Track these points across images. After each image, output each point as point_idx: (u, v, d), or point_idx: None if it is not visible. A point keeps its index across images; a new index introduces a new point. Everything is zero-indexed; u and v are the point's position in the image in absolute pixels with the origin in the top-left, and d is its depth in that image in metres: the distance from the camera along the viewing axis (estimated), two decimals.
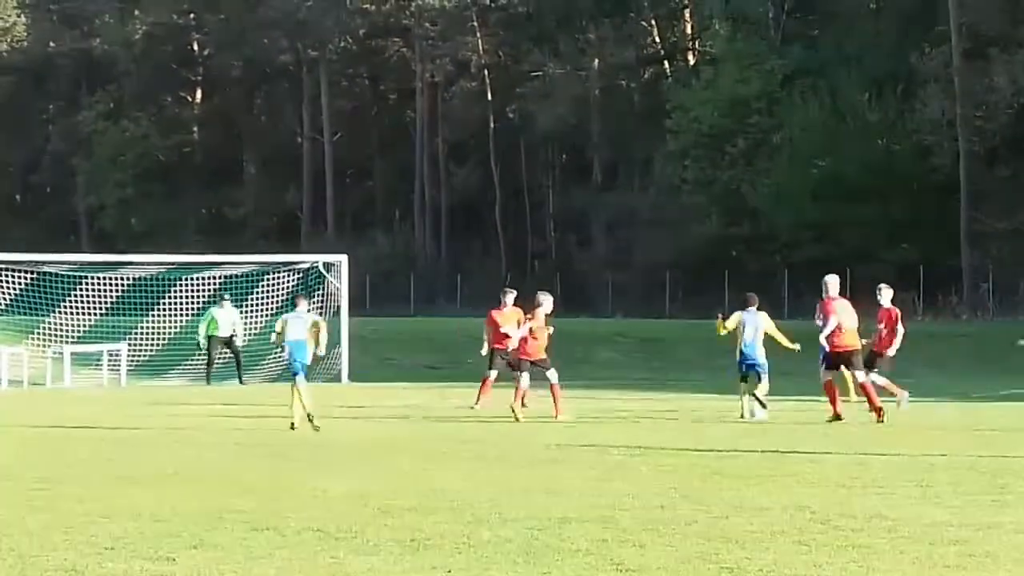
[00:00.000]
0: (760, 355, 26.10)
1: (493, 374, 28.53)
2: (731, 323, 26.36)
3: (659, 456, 17.97)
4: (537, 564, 10.29)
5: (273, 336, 25.30)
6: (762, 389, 25.84)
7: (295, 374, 23.94)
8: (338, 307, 40.45)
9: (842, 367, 25.60)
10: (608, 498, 13.76)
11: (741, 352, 26.00)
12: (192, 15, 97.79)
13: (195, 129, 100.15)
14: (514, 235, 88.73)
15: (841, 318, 24.80)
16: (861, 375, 24.84)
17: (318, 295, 41.55)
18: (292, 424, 23.23)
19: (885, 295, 29.15)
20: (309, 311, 25.27)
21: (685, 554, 10.64)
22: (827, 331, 24.80)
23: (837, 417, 24.32)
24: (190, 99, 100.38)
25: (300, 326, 24.45)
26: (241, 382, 37.82)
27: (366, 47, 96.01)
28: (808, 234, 70.36)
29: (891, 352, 28.10)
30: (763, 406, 25.50)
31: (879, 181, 68.84)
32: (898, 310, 28.82)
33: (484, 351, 29.06)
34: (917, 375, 39.25)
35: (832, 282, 25.40)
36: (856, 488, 14.52)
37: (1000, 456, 17.67)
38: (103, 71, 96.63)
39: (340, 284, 40.61)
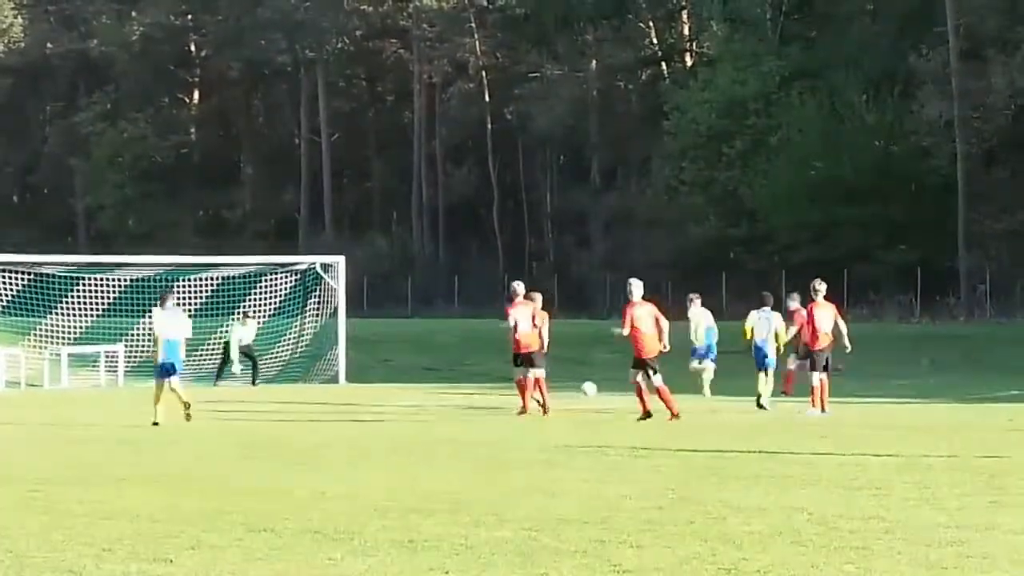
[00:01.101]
0: (772, 352, 28.45)
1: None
2: (748, 325, 28.77)
3: (657, 457, 17.97)
4: (534, 565, 10.29)
5: (152, 336, 25.68)
6: (768, 389, 28.05)
7: (169, 374, 24.04)
8: (336, 308, 40.45)
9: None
10: (606, 499, 13.76)
11: (757, 348, 28.48)
12: (190, 16, 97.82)
13: (193, 130, 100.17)
14: (512, 236, 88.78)
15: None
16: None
17: (316, 296, 41.58)
18: (188, 415, 23.90)
19: (794, 298, 31.12)
20: (178, 306, 25.65)
21: (683, 555, 10.64)
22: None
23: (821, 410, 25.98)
24: (188, 100, 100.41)
25: (177, 324, 24.68)
26: (254, 384, 37.73)
27: (364, 48, 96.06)
28: (806, 235, 70.39)
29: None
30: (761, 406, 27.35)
31: (877, 182, 68.87)
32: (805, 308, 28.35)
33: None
34: (915, 376, 39.37)
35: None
36: (854, 489, 14.52)
37: (997, 457, 17.68)
38: (101, 72, 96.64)
39: (337, 285, 40.60)
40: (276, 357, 41.08)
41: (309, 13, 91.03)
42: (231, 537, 11.57)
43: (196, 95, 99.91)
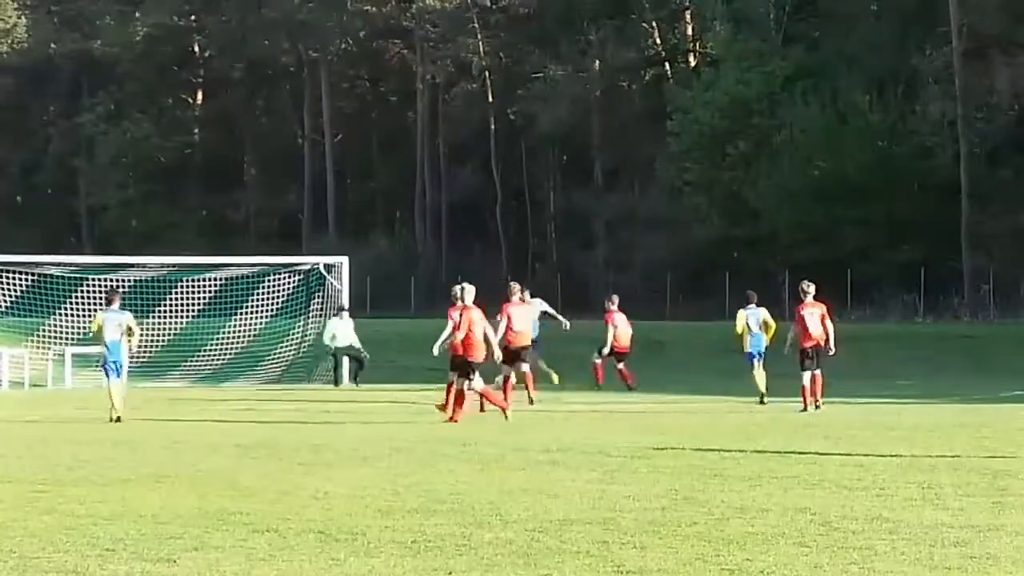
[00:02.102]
0: (763, 344, 29.97)
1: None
2: (740, 323, 30.37)
3: (660, 458, 17.96)
4: (538, 566, 10.29)
5: (92, 334, 25.83)
6: (761, 381, 29.61)
7: (113, 374, 24.43)
8: (339, 308, 40.46)
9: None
10: (609, 500, 13.76)
11: (752, 342, 30.02)
12: (193, 17, 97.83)
13: (196, 131, 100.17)
14: (515, 237, 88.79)
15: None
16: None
17: (319, 296, 41.58)
18: (118, 418, 24.39)
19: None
20: (123, 309, 25.88)
21: (686, 556, 10.64)
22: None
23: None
24: (191, 101, 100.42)
25: (117, 326, 24.97)
26: (356, 383, 37.90)
27: (367, 49, 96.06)
28: (809, 235, 70.37)
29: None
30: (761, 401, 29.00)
31: (880, 182, 68.85)
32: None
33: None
34: (918, 375, 39.36)
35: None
36: (857, 490, 14.51)
37: (1001, 458, 17.67)
38: (104, 73, 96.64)
39: (341, 285, 40.60)
40: (279, 358, 41.09)
41: (312, 14, 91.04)
42: (234, 538, 11.58)
43: (199, 96, 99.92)
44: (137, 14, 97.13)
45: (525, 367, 29.33)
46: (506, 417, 24.46)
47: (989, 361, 45.95)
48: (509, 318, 28.51)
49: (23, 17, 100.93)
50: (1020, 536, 11.47)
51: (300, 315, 41.74)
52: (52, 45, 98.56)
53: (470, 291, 24.99)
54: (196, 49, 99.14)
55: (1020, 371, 41.23)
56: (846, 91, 71.75)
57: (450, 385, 24.80)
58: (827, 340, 27.45)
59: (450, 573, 10.08)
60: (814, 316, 27.55)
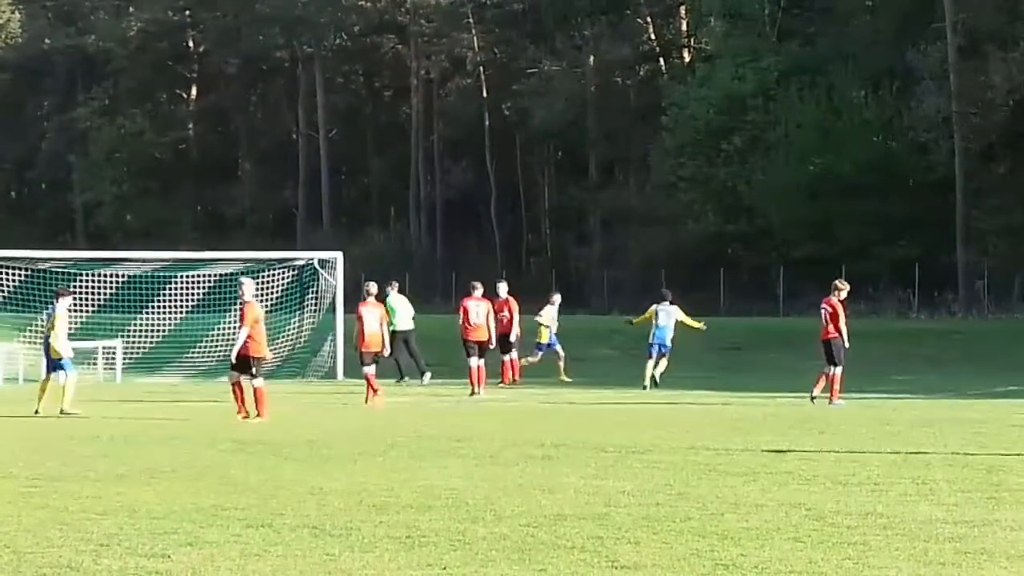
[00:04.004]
0: (667, 338, 33.78)
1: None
2: (648, 312, 34.41)
3: (655, 453, 17.96)
4: (532, 561, 10.28)
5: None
6: (661, 368, 33.60)
7: (64, 369, 24.79)
8: (333, 303, 40.45)
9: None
10: (603, 495, 13.76)
11: (654, 335, 33.74)
12: (187, 12, 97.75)
13: (191, 126, 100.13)
14: (510, 232, 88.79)
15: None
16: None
17: (313, 291, 41.55)
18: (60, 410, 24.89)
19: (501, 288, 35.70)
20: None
21: (680, 551, 10.64)
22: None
23: None
24: (186, 96, 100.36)
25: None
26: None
27: (361, 44, 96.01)
28: (804, 231, 70.38)
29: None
30: (656, 384, 33.01)
31: (875, 178, 68.84)
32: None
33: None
34: (913, 371, 39.38)
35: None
36: (852, 485, 14.51)
37: (995, 453, 17.68)
38: (98, 68, 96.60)
39: (335, 281, 40.57)
40: (274, 353, 41.02)
41: (307, 9, 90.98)
42: (229, 533, 11.57)
43: (194, 91, 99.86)
44: (131, 9, 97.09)
45: (480, 361, 31.07)
46: (261, 417, 24.09)
47: (984, 357, 45.97)
48: (466, 311, 31.44)
49: (17, 12, 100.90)
50: (1015, 531, 11.47)
51: (295, 311, 41.71)
52: (46, 40, 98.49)
53: (249, 285, 25.33)
54: (190, 44, 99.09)
55: (1015, 366, 41.27)
56: (841, 87, 71.75)
57: (235, 387, 24.62)
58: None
59: (444, 568, 10.07)
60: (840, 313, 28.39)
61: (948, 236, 68.39)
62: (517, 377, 35.45)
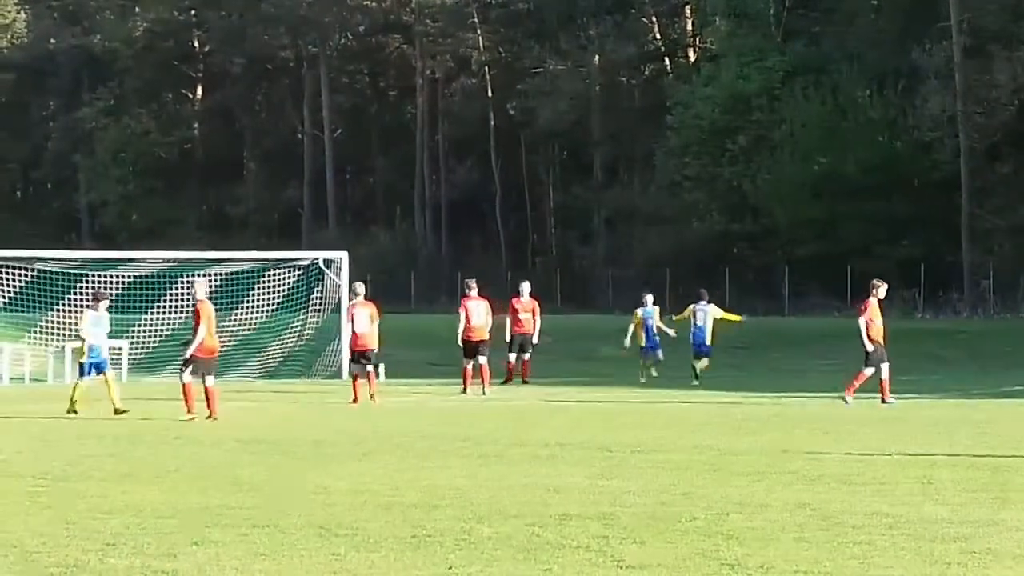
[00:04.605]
0: (707, 338, 34.99)
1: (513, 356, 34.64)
2: (636, 318, 36.01)
3: (660, 453, 17.96)
4: (537, 560, 10.29)
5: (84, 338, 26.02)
6: (701, 366, 34.87)
7: (102, 370, 24.73)
8: (338, 303, 40.48)
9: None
10: (608, 495, 13.76)
11: (693, 336, 35.11)
12: (193, 12, 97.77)
13: (196, 126, 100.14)
14: (515, 231, 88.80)
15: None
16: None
17: (318, 291, 41.58)
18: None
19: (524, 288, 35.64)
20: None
21: (685, 551, 10.64)
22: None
23: None
24: (191, 96, 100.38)
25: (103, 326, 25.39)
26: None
27: (366, 44, 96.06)
28: (809, 230, 70.35)
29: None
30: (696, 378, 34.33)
31: (880, 177, 68.80)
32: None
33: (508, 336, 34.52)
34: (918, 371, 39.34)
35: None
36: (857, 485, 14.51)
37: (1001, 454, 17.67)
38: (104, 68, 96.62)
39: (340, 280, 40.60)
40: (279, 352, 41.11)
41: (312, 8, 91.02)
42: (235, 533, 11.58)
43: (199, 91, 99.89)
44: (137, 9, 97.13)
45: (482, 360, 31.01)
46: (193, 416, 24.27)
47: (989, 356, 45.94)
48: (468, 313, 31.16)
49: (23, 12, 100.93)
50: (1020, 531, 11.47)
51: (300, 310, 41.75)
52: (52, 40, 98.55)
53: (202, 284, 25.48)
54: (196, 44, 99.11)
55: (1020, 366, 41.26)
56: (846, 86, 71.72)
57: (187, 387, 24.71)
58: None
59: (450, 568, 10.08)
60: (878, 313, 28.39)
61: (953, 235, 68.34)
62: (526, 376, 35.42)
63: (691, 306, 35.77)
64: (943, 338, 50.19)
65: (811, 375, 39.83)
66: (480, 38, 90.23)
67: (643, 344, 35.90)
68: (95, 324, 25.87)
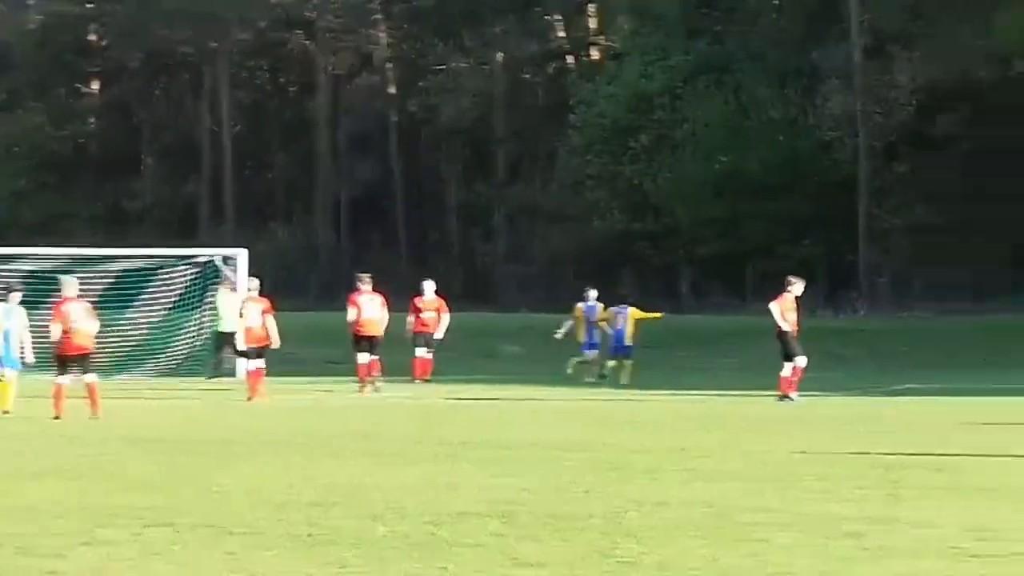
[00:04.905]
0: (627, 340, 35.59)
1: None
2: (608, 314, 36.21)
3: (559, 451, 17.92)
4: (433, 559, 10.20)
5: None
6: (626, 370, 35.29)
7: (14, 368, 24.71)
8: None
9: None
10: (507, 493, 13.69)
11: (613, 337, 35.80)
12: (90, 4, 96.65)
13: (92, 120, 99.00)
14: (416, 228, 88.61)
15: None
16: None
17: (215, 289, 41.19)
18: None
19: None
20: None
21: (583, 549, 10.58)
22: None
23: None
24: (87, 90, 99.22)
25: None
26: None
27: (268, 39, 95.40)
28: (711, 229, 70.71)
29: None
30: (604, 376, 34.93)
31: (782, 177, 69.28)
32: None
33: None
34: (818, 369, 39.57)
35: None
36: (755, 482, 14.54)
37: (896, 451, 17.78)
38: None
39: (238, 278, 40.24)
40: (176, 351, 40.69)
41: (212, 3, 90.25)
42: (128, 532, 11.39)
43: (96, 85, 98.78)
44: (31, 1, 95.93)
45: (373, 357, 31.17)
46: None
47: (887, 354, 46.38)
48: (358, 307, 31.34)
49: None
50: (915, 528, 11.51)
51: (197, 308, 41.34)
52: None
53: (70, 284, 25.27)
54: (93, 37, 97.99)
55: (917, 364, 41.70)
56: (748, 86, 72.16)
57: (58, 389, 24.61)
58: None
59: (344, 567, 9.97)
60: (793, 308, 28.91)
61: (852, 234, 68.97)
62: (427, 375, 35.38)
63: (611, 309, 36.14)
64: (842, 337, 50.58)
65: (713, 373, 40.03)
66: (383, 34, 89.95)
67: (582, 340, 36.01)
68: (6, 316, 25.43)
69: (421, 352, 35.07)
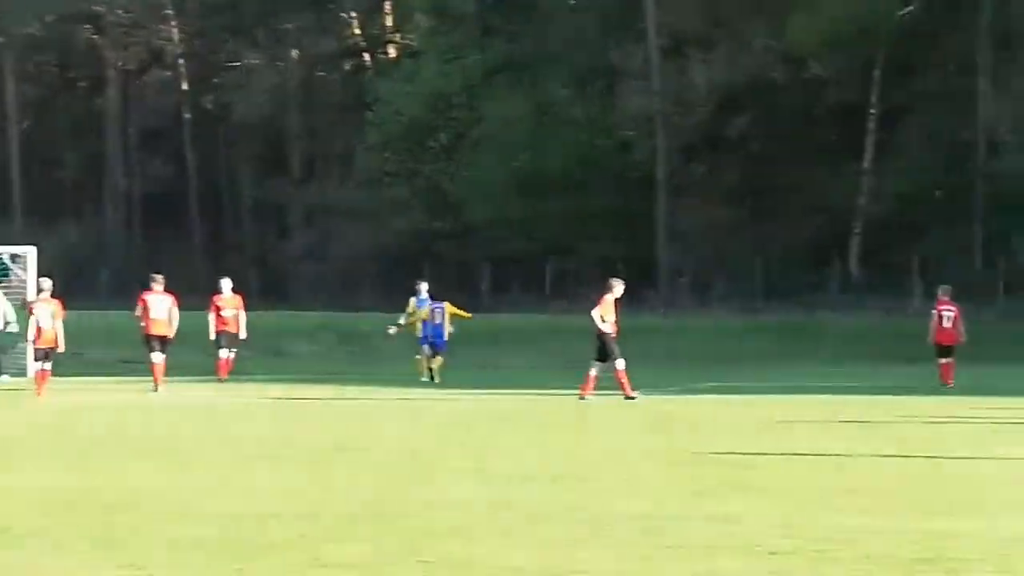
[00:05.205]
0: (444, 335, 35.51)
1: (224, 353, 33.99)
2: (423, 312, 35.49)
3: (365, 452, 17.81)
4: (234, 560, 10.01)
5: None
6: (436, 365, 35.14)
7: None
8: (24, 300, 39.20)
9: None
10: (310, 494, 13.56)
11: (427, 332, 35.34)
12: None
13: None
14: (211, 226, 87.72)
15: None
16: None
17: (4, 287, 40.21)
18: None
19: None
20: None
21: (388, 549, 10.48)
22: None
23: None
24: None
25: None
26: None
27: (55, 33, 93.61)
28: (509, 229, 71.00)
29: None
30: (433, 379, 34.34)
31: (580, 176, 69.83)
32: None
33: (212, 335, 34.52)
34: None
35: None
36: (560, 481, 14.55)
37: (697, 449, 17.94)
38: None
39: (27, 276, 39.33)
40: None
41: None
42: None
43: None
44: None
45: (162, 356, 31.12)
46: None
47: (685, 354, 46.92)
48: (146, 306, 31.28)
49: None
50: (714, 524, 11.57)
51: None
52: None
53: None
54: None
55: (715, 363, 42.25)
56: (546, 85, 72.60)
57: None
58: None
59: (141, 569, 9.72)
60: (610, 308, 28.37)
61: (652, 234, 69.76)
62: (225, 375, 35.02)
63: (428, 304, 35.91)
64: (641, 336, 50.95)
65: (513, 372, 40.16)
66: (174, 29, 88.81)
67: (419, 335, 35.65)
68: None
69: (223, 352, 34.72)
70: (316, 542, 10.78)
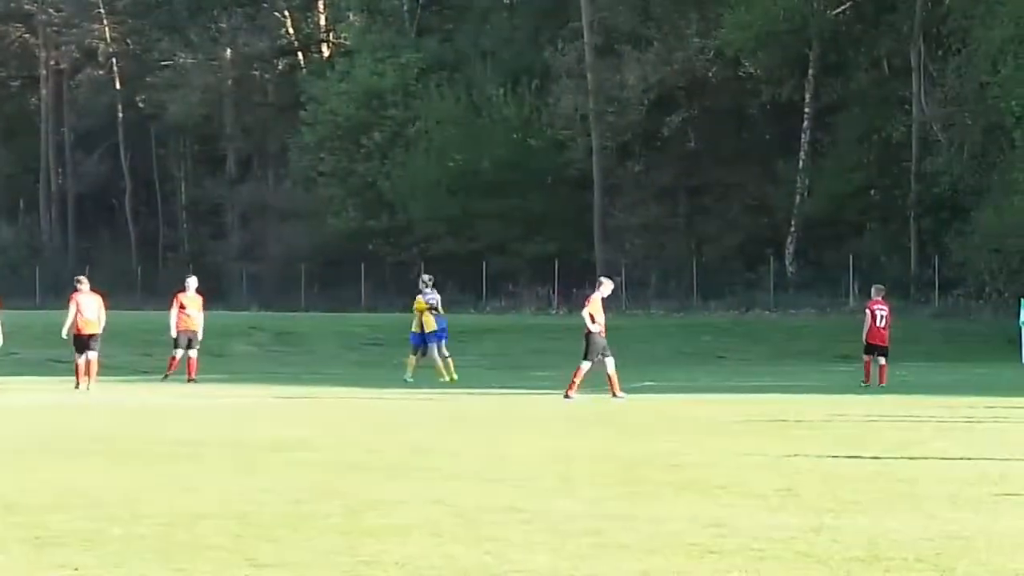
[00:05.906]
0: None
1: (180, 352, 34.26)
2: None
3: (299, 451, 17.74)
4: (170, 560, 9.97)
5: None
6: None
7: None
8: None
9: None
10: (245, 494, 13.49)
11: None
12: None
13: None
14: (145, 226, 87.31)
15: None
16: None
17: None
18: None
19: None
20: None
21: (321, 549, 10.46)
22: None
23: None
24: None
25: None
26: None
27: None
28: (445, 227, 70.99)
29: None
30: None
31: (515, 175, 69.92)
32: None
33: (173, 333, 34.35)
34: (554, 367, 39.98)
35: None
36: (495, 481, 14.54)
37: (635, 448, 17.97)
38: None
39: None
40: None
41: None
42: None
43: None
44: None
45: (93, 355, 31.30)
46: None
47: (620, 353, 46.88)
48: (78, 306, 31.58)
49: None
50: (651, 524, 11.59)
51: None
52: None
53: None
54: None
55: (651, 362, 42.33)
56: (480, 84, 72.62)
57: None
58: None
59: (76, 569, 9.67)
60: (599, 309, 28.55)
61: (586, 233, 69.87)
62: (171, 371, 34.83)
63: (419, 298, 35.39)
64: (577, 334, 50.97)
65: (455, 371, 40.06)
66: (107, 28, 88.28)
67: (425, 332, 34.80)
68: None
69: (179, 351, 34.37)
70: (251, 542, 10.74)
